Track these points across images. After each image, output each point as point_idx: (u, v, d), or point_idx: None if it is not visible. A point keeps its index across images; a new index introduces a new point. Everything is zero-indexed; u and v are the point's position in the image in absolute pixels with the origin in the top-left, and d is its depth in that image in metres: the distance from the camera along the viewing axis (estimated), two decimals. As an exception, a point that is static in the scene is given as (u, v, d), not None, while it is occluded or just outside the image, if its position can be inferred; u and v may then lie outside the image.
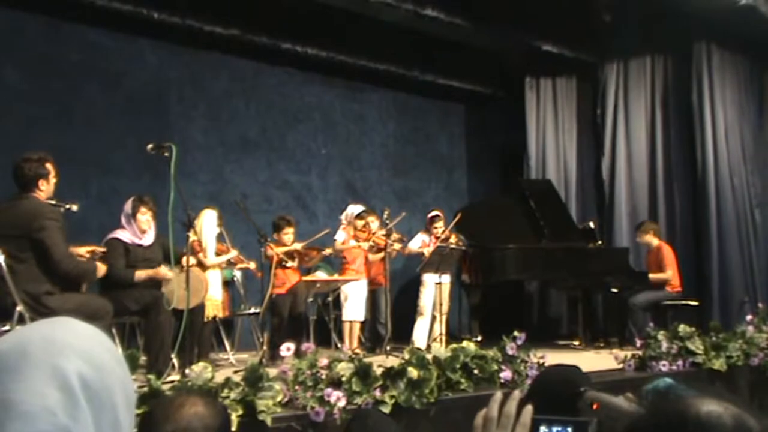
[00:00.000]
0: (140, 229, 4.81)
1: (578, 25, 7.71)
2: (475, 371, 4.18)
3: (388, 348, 5.64)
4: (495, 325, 5.85)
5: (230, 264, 6.13)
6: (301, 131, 8.00)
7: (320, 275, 6.54)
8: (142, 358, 4.45)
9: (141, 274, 4.64)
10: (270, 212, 7.03)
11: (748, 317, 6.11)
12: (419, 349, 4.27)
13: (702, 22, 7.49)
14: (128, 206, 4.83)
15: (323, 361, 3.70)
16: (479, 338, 6.21)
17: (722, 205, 7.64)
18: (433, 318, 6.90)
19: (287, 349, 3.95)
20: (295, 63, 7.76)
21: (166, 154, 4.25)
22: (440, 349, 4.32)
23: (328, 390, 3.54)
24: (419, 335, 6.91)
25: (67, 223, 4.10)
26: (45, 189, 3.99)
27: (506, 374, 4.25)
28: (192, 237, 4.84)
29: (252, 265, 6.08)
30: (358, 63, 7.95)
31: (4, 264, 3.83)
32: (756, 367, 5.56)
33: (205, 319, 5.33)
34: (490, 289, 7.04)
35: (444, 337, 6.48)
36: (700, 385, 1.04)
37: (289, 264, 5.96)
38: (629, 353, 5.26)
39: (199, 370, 3.44)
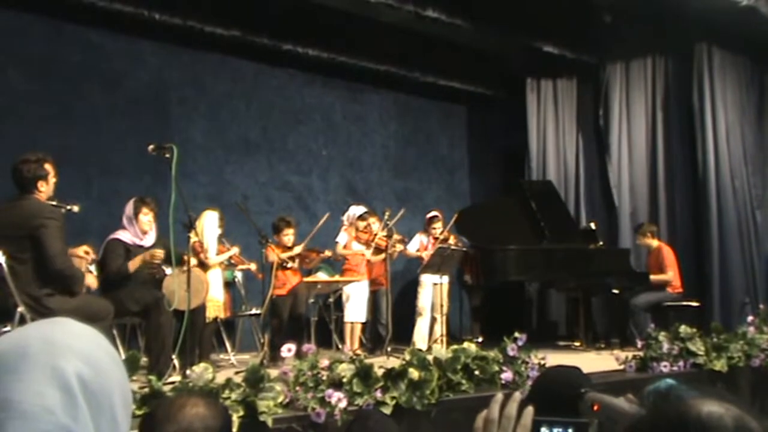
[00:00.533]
0: (142, 230, 4.81)
1: (579, 26, 7.71)
2: (476, 372, 4.18)
3: (388, 349, 5.64)
4: (496, 326, 5.84)
5: (231, 265, 6.13)
6: (302, 132, 8.01)
7: (321, 276, 6.54)
8: (143, 359, 4.45)
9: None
10: (271, 213, 7.03)
11: (749, 318, 6.10)
12: (420, 350, 4.27)
13: (703, 23, 7.49)
14: (130, 207, 4.83)
15: (324, 362, 3.70)
16: (480, 339, 6.21)
17: (723, 206, 7.64)
18: (434, 319, 6.90)
19: (288, 350, 3.95)
20: (296, 64, 7.77)
21: (167, 155, 4.25)
22: (441, 350, 4.32)
23: (329, 391, 3.54)
24: (419, 336, 6.91)
25: (68, 223, 4.10)
26: (44, 190, 3.99)
27: (507, 375, 4.25)
28: (193, 238, 4.84)
29: (253, 266, 6.09)
30: (359, 64, 7.95)
31: (5, 265, 3.83)
32: (757, 368, 5.56)
33: (206, 320, 5.34)
34: (491, 290, 7.04)
35: (445, 338, 6.48)
36: (701, 386, 1.04)
37: (290, 265, 5.97)
38: (630, 354, 5.26)
39: (200, 371, 3.45)
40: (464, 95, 9.14)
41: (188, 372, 3.56)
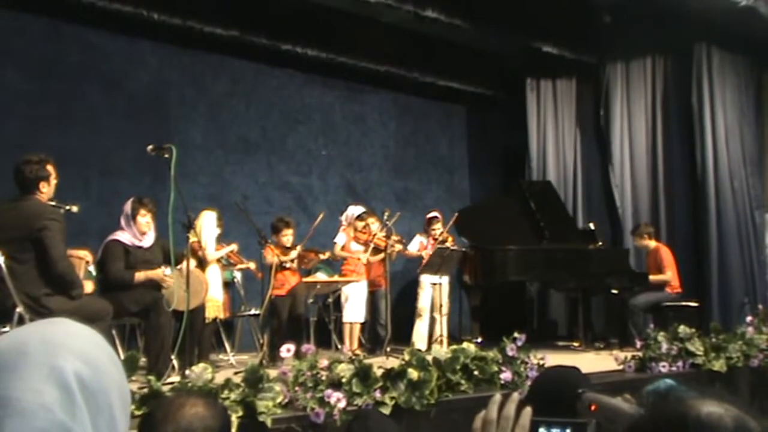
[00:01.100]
0: (140, 231, 4.81)
1: (579, 26, 7.72)
2: (476, 372, 4.18)
3: (388, 349, 5.64)
4: (495, 326, 5.84)
5: (230, 265, 6.13)
6: (301, 133, 8.01)
7: (320, 276, 6.54)
8: (142, 360, 4.46)
9: (140, 276, 4.64)
10: (270, 214, 7.02)
11: (748, 318, 6.11)
12: (419, 350, 4.27)
13: (702, 23, 7.49)
14: (128, 208, 4.82)
15: (323, 363, 3.70)
16: (479, 339, 6.21)
17: (722, 206, 7.65)
18: (433, 319, 6.90)
19: (287, 350, 3.95)
20: (295, 64, 7.77)
21: (167, 156, 4.25)
22: (440, 351, 4.32)
23: (328, 391, 3.54)
24: (419, 337, 6.91)
25: (67, 224, 4.10)
26: (46, 191, 4.01)
27: (506, 375, 4.25)
28: (192, 238, 4.84)
29: (252, 266, 6.09)
30: (358, 64, 7.95)
31: (3, 265, 3.83)
32: (756, 369, 5.56)
33: (206, 321, 5.33)
34: (490, 290, 7.04)
35: (445, 339, 6.48)
36: (700, 387, 1.05)
37: (288, 265, 5.97)
38: (629, 354, 5.26)
39: (199, 372, 3.45)
40: (464, 95, 9.14)
41: (187, 372, 3.56)
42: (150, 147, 4.36)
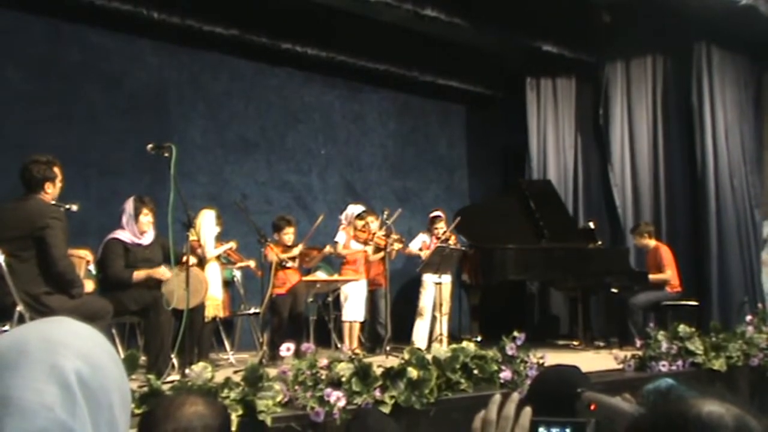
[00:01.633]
0: (141, 230, 4.82)
1: (578, 25, 7.72)
2: (475, 371, 4.18)
3: (387, 348, 5.64)
4: (495, 325, 5.85)
5: (230, 263, 6.13)
6: (301, 132, 8.00)
7: (320, 275, 6.54)
8: (142, 358, 4.46)
9: (140, 274, 4.64)
10: (270, 213, 7.02)
11: (748, 317, 6.11)
12: (419, 349, 4.27)
13: (702, 22, 7.49)
14: (130, 207, 4.83)
15: (323, 362, 3.70)
16: (479, 338, 6.21)
17: (722, 204, 7.65)
18: (434, 318, 6.90)
19: (287, 349, 3.95)
20: (295, 63, 7.76)
21: (166, 155, 4.25)
22: (440, 350, 4.32)
23: (328, 390, 3.54)
24: (419, 336, 6.91)
25: (68, 223, 4.11)
26: (50, 192, 4.05)
27: (506, 374, 4.25)
28: (192, 237, 4.85)
29: (252, 264, 6.09)
30: (358, 63, 7.95)
31: (4, 264, 3.83)
32: (756, 368, 5.56)
33: (205, 320, 5.33)
34: (490, 289, 7.04)
35: (444, 338, 6.49)
36: (701, 386, 1.05)
37: (290, 264, 5.97)
38: (629, 353, 5.26)
39: (199, 370, 3.45)
40: (463, 94, 9.13)
41: (187, 371, 3.56)
42: (150, 146, 4.37)
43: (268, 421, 3.35)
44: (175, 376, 4.13)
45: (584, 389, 1.52)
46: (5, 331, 3.67)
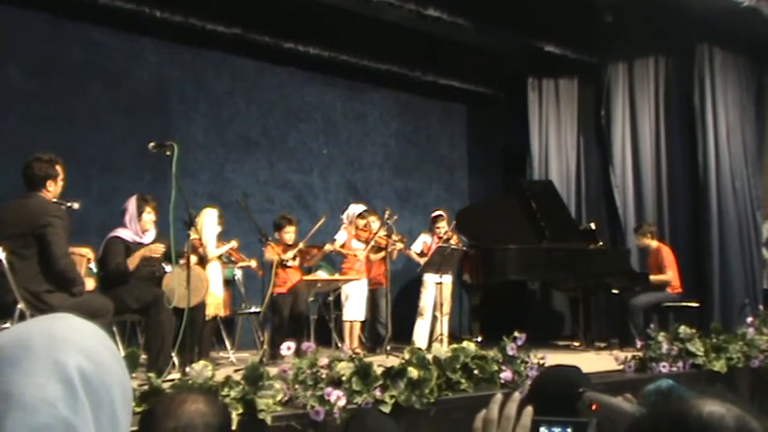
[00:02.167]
0: (143, 228, 4.82)
1: (580, 26, 7.71)
2: (476, 371, 4.18)
3: (388, 348, 5.64)
4: (496, 325, 5.84)
5: (231, 262, 6.13)
6: (302, 131, 8.00)
7: (321, 275, 6.55)
8: (143, 357, 4.46)
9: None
10: (271, 212, 7.03)
11: (749, 319, 6.10)
12: (419, 349, 4.27)
13: (704, 23, 7.48)
14: (132, 205, 4.84)
15: (323, 361, 3.70)
16: (479, 339, 6.21)
17: (724, 206, 7.64)
18: (435, 318, 6.90)
19: (287, 348, 3.95)
20: (296, 62, 7.76)
21: (168, 153, 4.25)
22: (440, 349, 4.32)
23: (328, 389, 3.54)
24: (419, 336, 6.91)
25: (70, 222, 4.12)
26: (52, 190, 4.06)
27: (506, 374, 4.25)
28: (193, 235, 4.85)
29: (253, 263, 6.09)
30: (360, 63, 7.95)
31: (5, 261, 3.84)
32: (756, 369, 5.56)
33: (206, 318, 5.34)
34: (491, 289, 7.04)
35: (445, 338, 6.48)
36: (702, 386, 1.04)
37: (290, 263, 5.97)
38: (630, 354, 5.26)
39: (200, 369, 3.45)
40: (465, 94, 9.13)
41: (188, 369, 3.56)
42: (151, 144, 4.37)
43: (269, 420, 3.35)
44: (175, 375, 4.12)
45: (586, 389, 1.52)
46: (6, 328, 3.68)
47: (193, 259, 4.85)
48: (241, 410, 3.31)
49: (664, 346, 5.14)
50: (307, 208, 7.84)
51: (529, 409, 1.22)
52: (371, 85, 8.50)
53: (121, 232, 4.79)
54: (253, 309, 6.19)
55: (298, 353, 4.00)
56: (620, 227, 8.14)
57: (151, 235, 4.90)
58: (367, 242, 6.64)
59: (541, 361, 4.41)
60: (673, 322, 6.34)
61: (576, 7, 7.35)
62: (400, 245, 6.71)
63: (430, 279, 6.89)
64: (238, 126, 7.52)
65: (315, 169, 8.06)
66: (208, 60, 7.32)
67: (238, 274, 6.47)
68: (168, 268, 4.82)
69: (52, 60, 6.38)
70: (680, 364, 5.21)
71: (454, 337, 6.85)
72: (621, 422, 1.33)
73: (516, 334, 4.43)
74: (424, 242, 7.23)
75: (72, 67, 6.49)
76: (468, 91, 9.02)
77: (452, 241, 6.84)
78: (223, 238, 5.98)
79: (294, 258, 6.03)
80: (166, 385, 3.38)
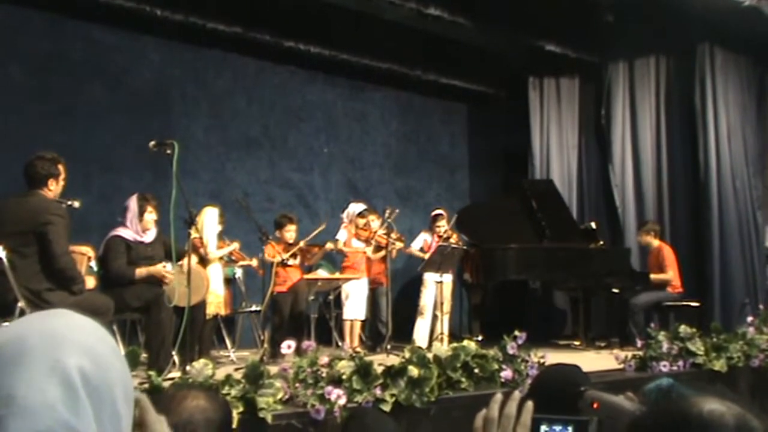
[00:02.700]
0: (144, 227, 4.83)
1: (581, 25, 7.70)
2: (476, 370, 4.18)
3: (388, 347, 5.64)
4: (496, 324, 5.84)
5: (232, 261, 6.13)
6: (303, 130, 8.00)
7: (321, 274, 6.55)
8: (143, 355, 4.46)
9: (141, 272, 4.65)
10: (272, 211, 7.03)
11: (749, 319, 6.10)
12: (420, 347, 4.28)
13: (705, 23, 7.48)
14: (134, 204, 4.84)
15: (324, 359, 3.70)
16: (480, 337, 6.21)
17: (724, 206, 7.63)
18: (435, 317, 6.91)
19: (288, 346, 3.96)
20: (297, 61, 7.76)
21: (168, 152, 4.25)
22: (441, 348, 4.32)
23: (329, 388, 3.54)
24: (420, 335, 6.91)
25: (70, 220, 4.13)
26: (53, 189, 4.07)
27: (507, 373, 4.25)
28: (194, 234, 4.85)
29: (254, 263, 6.09)
30: (360, 62, 7.95)
31: (5, 259, 3.84)
32: (756, 369, 5.56)
33: (207, 317, 5.34)
34: (491, 288, 7.04)
35: (446, 337, 6.49)
36: (702, 385, 1.04)
37: (291, 262, 5.97)
38: (630, 353, 5.26)
39: (200, 367, 3.45)
40: (466, 94, 9.13)
41: (188, 368, 3.57)
42: (152, 143, 4.38)
43: (269, 419, 3.35)
44: (175, 373, 4.13)
45: (587, 387, 1.52)
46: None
47: (194, 258, 4.85)
48: (241, 409, 3.31)
49: (665, 346, 5.14)
50: (307, 207, 7.85)
51: (529, 406, 1.21)
52: (372, 85, 8.50)
53: (121, 231, 4.79)
54: (254, 308, 6.19)
55: (299, 352, 4.01)
56: (621, 227, 8.13)
57: (151, 234, 4.90)
58: (367, 241, 6.64)
59: (542, 360, 4.41)
60: (673, 321, 6.34)
61: (577, 7, 7.34)
62: (399, 244, 6.72)
63: (430, 278, 6.89)
64: (238, 125, 7.53)
65: (316, 168, 8.06)
66: (208, 59, 7.33)
67: (239, 272, 6.47)
68: (169, 266, 4.82)
69: (52, 58, 6.38)
70: (680, 363, 5.21)
71: (455, 336, 6.85)
72: (622, 421, 1.33)
73: (516, 333, 4.43)
74: (424, 240, 7.23)
75: (73, 65, 6.49)
76: (469, 90, 9.02)
77: (452, 240, 6.84)
78: (223, 236, 5.99)
79: (295, 257, 6.03)
80: (166, 384, 3.38)
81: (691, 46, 7.92)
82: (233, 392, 3.37)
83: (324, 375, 3.62)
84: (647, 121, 8.21)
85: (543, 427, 1.28)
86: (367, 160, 8.52)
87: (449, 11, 6.92)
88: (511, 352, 4.35)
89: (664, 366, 5.06)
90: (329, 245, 6.49)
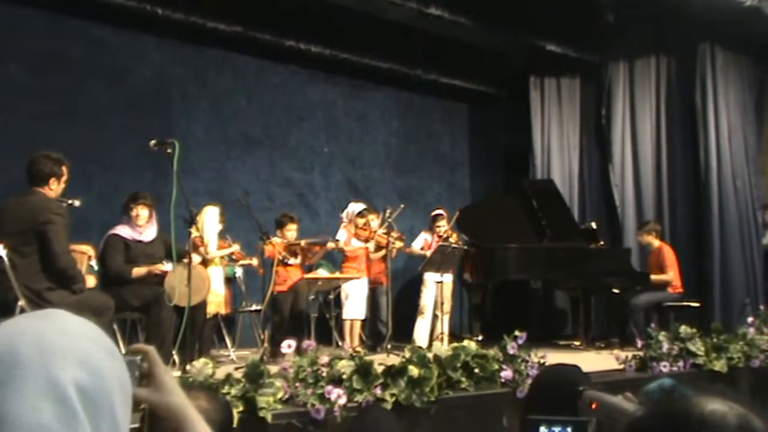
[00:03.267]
0: (137, 224, 4.84)
1: (582, 25, 7.70)
2: (476, 370, 4.18)
3: (388, 346, 5.64)
4: (496, 324, 5.84)
5: (232, 260, 6.13)
6: (303, 129, 8.00)
7: (322, 273, 6.55)
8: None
9: (140, 271, 4.66)
10: (272, 210, 7.03)
11: (750, 319, 6.10)
12: (420, 347, 4.28)
13: (706, 23, 7.48)
14: (126, 203, 4.89)
15: (324, 359, 3.70)
16: (480, 337, 6.21)
17: (725, 206, 7.63)
18: (435, 317, 6.90)
19: (288, 346, 3.96)
20: (298, 61, 7.76)
21: (169, 151, 4.25)
22: (441, 348, 4.32)
23: (329, 387, 3.54)
24: (420, 335, 6.91)
25: (71, 219, 4.13)
26: (54, 188, 4.07)
27: (507, 373, 4.25)
28: (194, 233, 4.85)
29: (254, 262, 6.09)
30: (361, 61, 7.94)
31: (6, 258, 3.84)
32: (757, 369, 5.56)
33: (207, 316, 5.34)
34: (492, 288, 7.04)
35: (446, 337, 6.49)
36: (704, 385, 1.04)
37: (292, 261, 5.97)
38: (630, 354, 5.26)
39: (200, 367, 3.45)
40: (466, 93, 9.12)
41: (188, 367, 3.57)
42: (153, 142, 4.37)
43: (269, 418, 3.36)
44: (176, 373, 4.12)
45: (586, 387, 1.52)
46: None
47: (196, 257, 4.86)
48: (241, 408, 3.32)
49: (665, 346, 5.14)
50: (308, 206, 7.85)
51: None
52: (373, 84, 8.49)
53: (119, 230, 4.80)
54: (254, 307, 6.18)
55: (299, 351, 4.01)
56: (622, 227, 8.12)
57: (151, 232, 4.91)
58: (366, 241, 6.64)
59: (542, 360, 4.41)
60: (673, 321, 6.33)
61: (578, 6, 7.34)
62: (399, 243, 6.71)
63: (430, 278, 6.88)
64: (239, 124, 7.52)
65: (316, 168, 8.06)
66: (209, 58, 7.32)
67: (239, 272, 6.47)
68: (169, 266, 4.82)
69: (53, 57, 6.37)
70: (681, 363, 5.21)
71: (455, 335, 6.85)
72: (621, 421, 1.33)
73: (516, 333, 4.43)
74: (424, 240, 7.23)
75: (73, 64, 6.48)
76: (469, 90, 9.01)
77: (452, 240, 6.83)
78: (224, 236, 5.98)
79: (295, 256, 6.03)
80: (166, 383, 3.38)
81: (691, 46, 7.91)
82: (233, 391, 3.37)
83: (324, 374, 3.62)
84: (647, 121, 8.21)
85: (542, 428, 1.28)
86: (368, 160, 8.52)
87: (450, 11, 6.91)
88: (511, 352, 4.35)
89: (664, 366, 5.06)
90: (330, 244, 6.49)
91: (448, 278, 6.89)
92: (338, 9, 7.03)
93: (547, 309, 8.46)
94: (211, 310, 5.44)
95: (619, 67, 8.33)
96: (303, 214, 7.24)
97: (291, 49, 7.42)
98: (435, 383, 3.88)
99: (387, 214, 6.29)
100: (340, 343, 6.15)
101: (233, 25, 6.94)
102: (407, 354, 4.03)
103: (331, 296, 6.50)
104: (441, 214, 7.18)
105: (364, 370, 3.71)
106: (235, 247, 5.93)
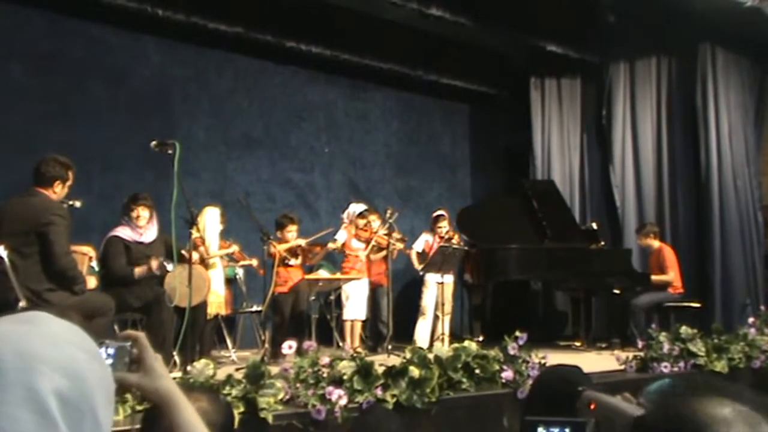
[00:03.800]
0: (137, 225, 4.84)
1: (583, 25, 7.70)
2: (477, 371, 4.18)
3: (389, 347, 5.64)
4: (497, 325, 5.84)
5: (233, 261, 6.13)
6: (304, 130, 8.00)
7: (322, 274, 6.55)
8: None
9: (141, 270, 4.66)
10: (273, 211, 7.03)
11: (751, 320, 6.10)
12: (421, 348, 4.28)
13: (707, 23, 7.48)
14: (126, 205, 4.89)
15: (325, 360, 3.70)
16: (481, 338, 6.21)
17: (725, 206, 7.63)
18: (436, 317, 6.90)
19: (289, 347, 3.96)
20: (299, 61, 7.76)
21: (170, 152, 4.25)
22: (442, 349, 4.32)
23: (330, 388, 3.54)
24: (421, 335, 6.91)
25: (72, 221, 4.13)
26: (58, 192, 4.09)
27: (508, 374, 4.25)
28: (195, 234, 4.85)
29: (254, 262, 6.09)
30: (362, 62, 7.94)
31: (6, 259, 3.84)
32: (757, 370, 5.56)
33: (207, 317, 5.34)
34: (493, 289, 7.03)
35: (447, 337, 6.48)
36: (706, 384, 1.04)
37: (292, 262, 5.97)
38: (631, 354, 5.26)
39: (201, 367, 3.46)
40: (467, 94, 9.12)
41: (189, 368, 3.57)
42: (153, 142, 4.38)
43: (270, 419, 3.36)
44: (176, 374, 4.13)
45: (585, 388, 1.52)
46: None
47: (195, 257, 4.86)
48: (242, 409, 3.32)
49: (666, 347, 5.14)
50: (308, 206, 7.85)
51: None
52: (373, 84, 8.50)
53: (119, 232, 4.80)
54: (255, 308, 6.19)
55: (300, 352, 4.01)
56: (622, 227, 8.11)
57: (151, 233, 4.91)
58: (367, 242, 6.63)
59: (543, 361, 4.41)
60: (674, 322, 6.33)
61: (578, 7, 7.34)
62: (400, 245, 6.71)
63: (431, 278, 6.88)
64: (240, 124, 7.53)
65: (317, 168, 8.06)
66: (210, 58, 7.32)
67: (240, 272, 6.48)
68: (170, 267, 4.82)
69: (53, 57, 6.38)
70: (681, 364, 5.21)
71: (456, 336, 6.85)
72: (620, 422, 1.33)
73: (517, 333, 4.43)
74: (426, 241, 7.22)
75: (73, 64, 6.49)
76: (470, 90, 9.01)
77: (453, 241, 6.83)
78: (225, 236, 5.98)
79: (296, 256, 6.03)
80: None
81: (692, 47, 7.91)
82: (234, 392, 3.37)
83: (325, 375, 3.62)
84: (648, 122, 8.21)
85: (540, 429, 1.28)
86: (369, 160, 8.52)
87: (451, 11, 6.91)
88: (512, 352, 4.35)
89: (665, 367, 5.05)
90: (331, 245, 6.49)
91: (449, 279, 6.88)
92: (339, 10, 7.03)
93: (547, 310, 8.46)
94: (211, 310, 5.44)
95: (619, 67, 8.33)
96: (303, 215, 7.24)
97: (292, 49, 7.43)
98: (436, 384, 3.88)
99: (387, 215, 6.29)
100: (340, 344, 6.15)
101: (234, 25, 6.94)
102: (408, 355, 4.03)
103: (332, 297, 6.50)
104: (442, 215, 7.18)
105: (364, 371, 3.71)
106: (234, 248, 5.93)
